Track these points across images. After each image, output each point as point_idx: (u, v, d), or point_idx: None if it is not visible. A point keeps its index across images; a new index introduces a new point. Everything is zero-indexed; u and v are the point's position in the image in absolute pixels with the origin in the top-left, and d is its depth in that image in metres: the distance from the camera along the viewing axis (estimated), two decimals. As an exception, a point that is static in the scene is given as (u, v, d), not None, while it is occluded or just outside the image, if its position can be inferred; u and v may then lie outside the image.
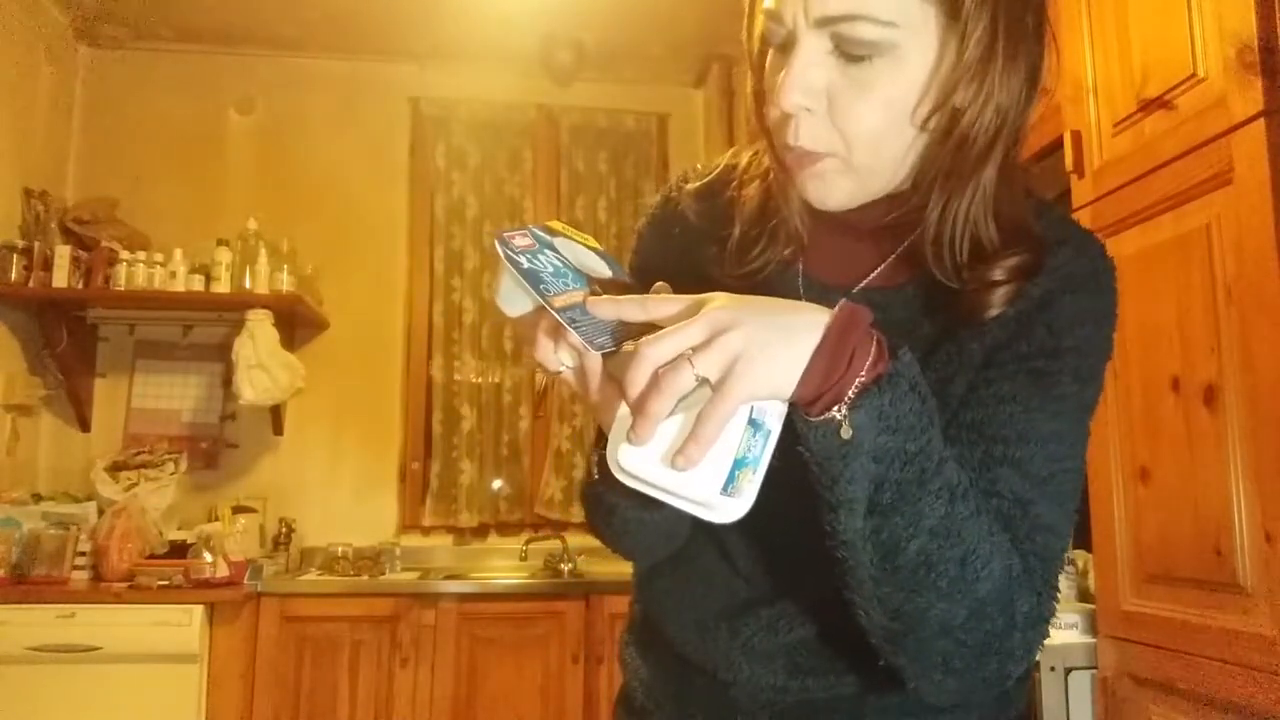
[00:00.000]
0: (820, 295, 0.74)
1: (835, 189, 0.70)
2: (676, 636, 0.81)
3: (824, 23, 0.65)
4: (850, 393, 0.58)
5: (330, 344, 3.61)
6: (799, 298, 0.76)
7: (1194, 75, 1.52)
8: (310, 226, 3.57)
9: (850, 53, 0.65)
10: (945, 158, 0.69)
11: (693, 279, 0.70)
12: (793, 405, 0.60)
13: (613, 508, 0.76)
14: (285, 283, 3.30)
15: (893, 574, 0.62)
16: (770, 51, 0.71)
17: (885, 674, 0.69)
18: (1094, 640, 1.75)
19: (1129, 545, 1.67)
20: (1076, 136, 1.82)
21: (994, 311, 0.70)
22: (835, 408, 0.58)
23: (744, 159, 0.84)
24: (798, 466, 0.62)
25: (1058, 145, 1.88)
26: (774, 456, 0.59)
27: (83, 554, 2.92)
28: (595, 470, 0.77)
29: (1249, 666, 1.38)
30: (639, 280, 0.73)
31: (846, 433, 0.58)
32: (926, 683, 0.67)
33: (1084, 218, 1.79)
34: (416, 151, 3.78)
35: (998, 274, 0.70)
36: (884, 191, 0.72)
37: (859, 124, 0.67)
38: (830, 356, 0.58)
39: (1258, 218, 1.38)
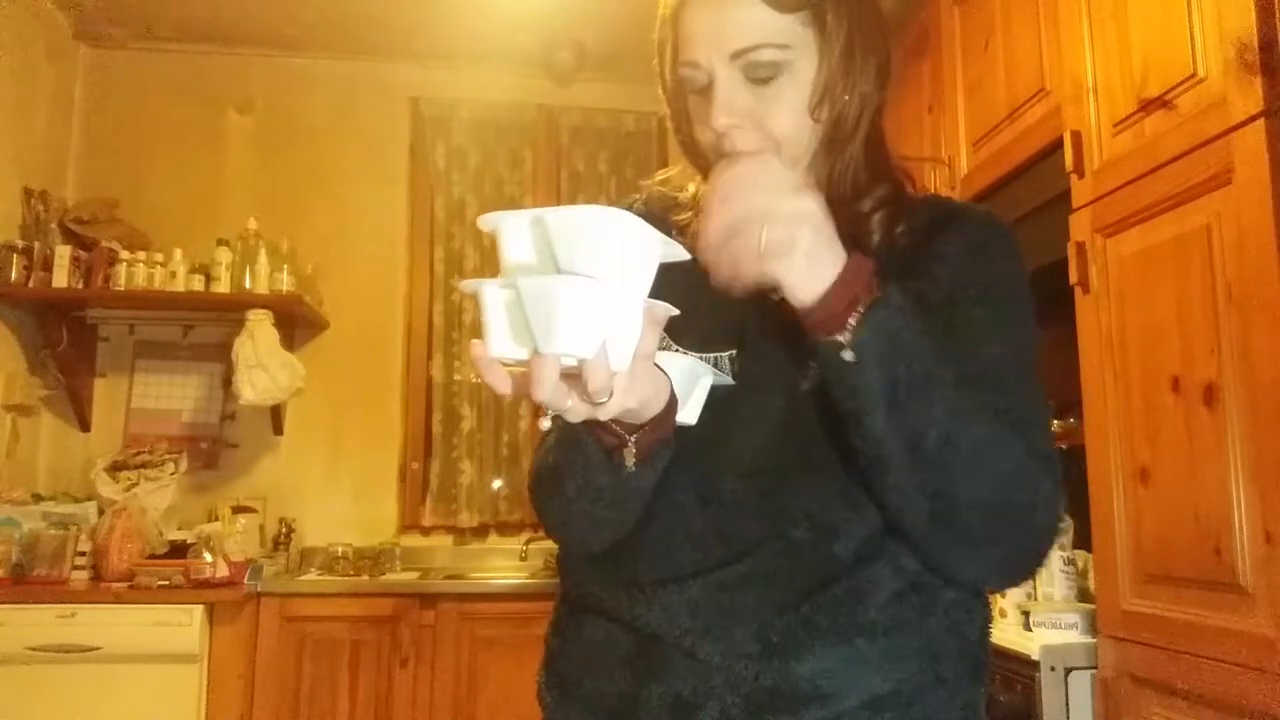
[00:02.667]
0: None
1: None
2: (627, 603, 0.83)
3: (736, 55, 0.82)
4: (852, 319, 0.70)
5: (330, 344, 3.61)
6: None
7: (1194, 75, 1.52)
8: (310, 226, 3.57)
9: (758, 76, 0.82)
10: (829, 135, 0.87)
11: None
12: (808, 328, 0.71)
13: (575, 474, 0.79)
14: (285, 283, 3.30)
15: (922, 457, 0.72)
16: (690, 94, 0.87)
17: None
18: (1094, 640, 1.75)
19: (1129, 545, 1.67)
20: (1076, 136, 1.82)
21: (875, 236, 0.86)
22: (843, 330, 0.70)
23: (692, 188, 0.97)
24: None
25: (1058, 145, 1.88)
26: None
27: (83, 554, 2.92)
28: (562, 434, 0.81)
29: (1249, 666, 1.38)
30: None
31: (850, 354, 0.70)
32: (976, 560, 0.77)
33: (1084, 218, 1.79)
34: (416, 151, 3.78)
35: (867, 204, 0.87)
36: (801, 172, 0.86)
37: (779, 129, 0.84)
38: (842, 288, 0.70)
39: (1258, 218, 1.38)
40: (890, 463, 0.73)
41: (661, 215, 0.94)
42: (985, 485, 0.73)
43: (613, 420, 0.71)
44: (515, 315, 0.64)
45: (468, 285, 0.67)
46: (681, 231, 0.91)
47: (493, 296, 0.65)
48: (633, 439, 0.74)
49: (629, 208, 0.90)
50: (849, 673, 0.76)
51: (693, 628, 0.78)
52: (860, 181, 0.88)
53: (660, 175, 1.03)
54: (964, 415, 0.73)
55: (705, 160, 0.89)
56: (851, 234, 0.78)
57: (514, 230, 0.66)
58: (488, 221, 0.68)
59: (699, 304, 0.79)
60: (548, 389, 0.63)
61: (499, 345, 0.65)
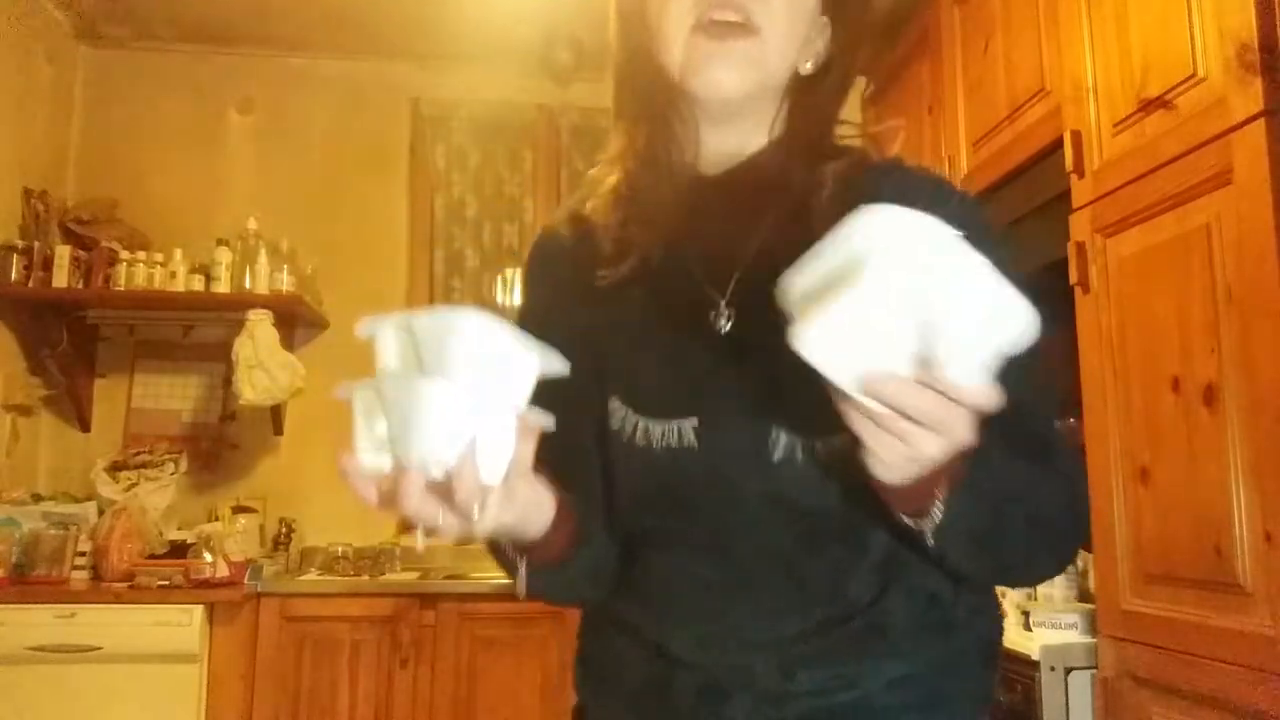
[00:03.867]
0: (714, 277, 0.78)
1: (738, 72, 0.76)
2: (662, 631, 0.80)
3: None
4: (935, 508, 0.64)
5: (330, 344, 3.60)
6: (691, 285, 0.79)
7: (1194, 75, 1.52)
8: (310, 226, 3.57)
9: None
10: (809, 77, 0.79)
11: (582, 299, 0.80)
12: (884, 498, 0.65)
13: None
14: (285, 283, 3.30)
15: (979, 551, 0.70)
16: None
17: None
18: (1094, 640, 1.75)
19: (1129, 545, 1.67)
20: (1076, 136, 1.82)
21: (825, 191, 0.76)
22: (926, 517, 0.65)
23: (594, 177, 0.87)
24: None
25: (1058, 145, 1.88)
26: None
27: (83, 554, 2.92)
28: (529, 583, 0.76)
29: (1249, 666, 1.38)
30: (536, 321, 0.76)
31: (932, 539, 0.66)
32: (1023, 580, 0.81)
33: (1084, 218, 1.79)
34: (416, 152, 3.78)
35: (829, 168, 0.78)
36: (767, 84, 0.79)
37: (775, 27, 0.75)
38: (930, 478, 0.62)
39: (1258, 218, 1.38)
40: (956, 567, 0.73)
41: (580, 241, 0.85)
42: (1042, 543, 0.74)
43: (501, 538, 0.69)
44: (381, 421, 0.62)
45: (342, 390, 0.64)
46: (597, 258, 0.82)
47: (361, 401, 0.63)
48: (522, 563, 0.70)
49: (547, 239, 0.89)
50: (873, 669, 0.75)
51: (710, 657, 0.77)
52: (826, 135, 0.81)
53: (575, 197, 0.91)
54: (1026, 509, 0.70)
55: (659, 64, 0.79)
56: (804, 189, 0.76)
57: (387, 335, 0.65)
58: (364, 327, 0.66)
59: (649, 363, 0.77)
60: (412, 501, 0.59)
61: (364, 453, 0.62)
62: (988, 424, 0.66)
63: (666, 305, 0.79)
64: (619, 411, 0.79)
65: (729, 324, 0.77)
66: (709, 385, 0.76)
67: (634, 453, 0.78)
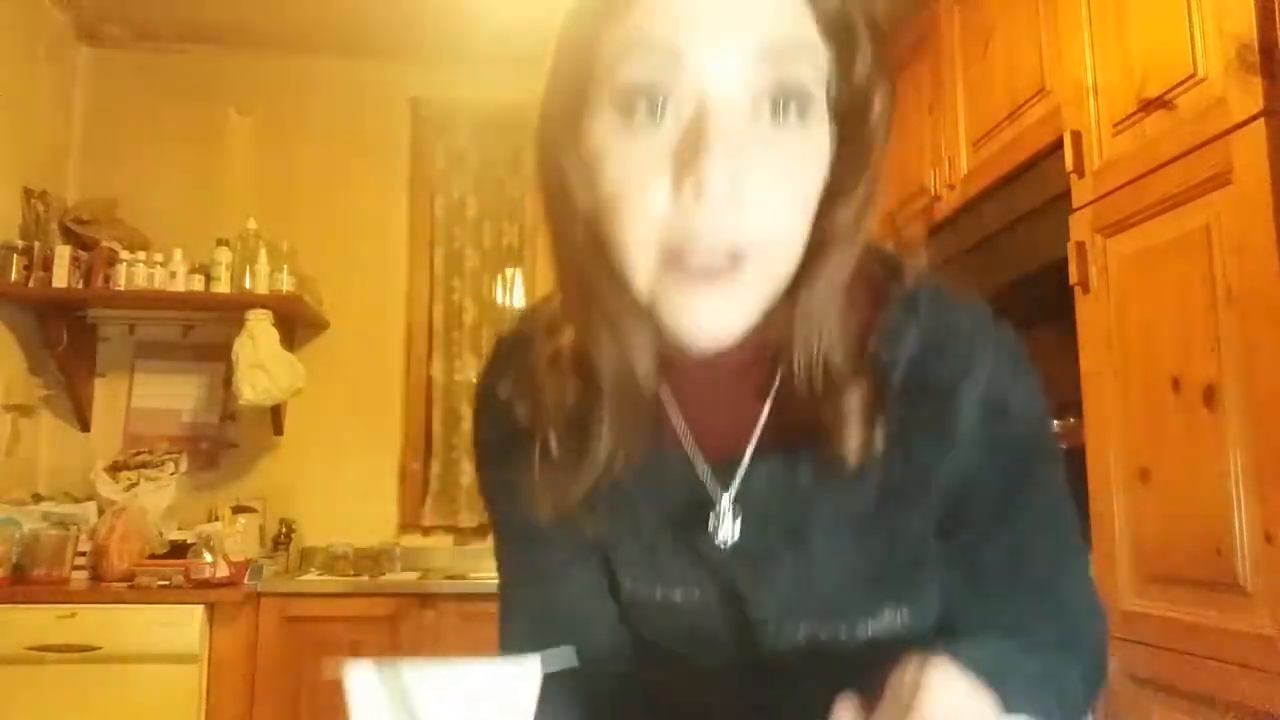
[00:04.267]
0: (722, 472, 0.67)
1: (739, 308, 0.57)
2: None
3: (765, 56, 0.52)
4: None
5: (330, 344, 3.60)
6: (692, 480, 0.67)
7: (1194, 75, 1.52)
8: (310, 226, 3.57)
9: (778, 114, 0.54)
10: (819, 236, 0.58)
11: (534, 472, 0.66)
12: None
13: None
14: (285, 283, 3.30)
15: None
16: (609, 122, 0.55)
17: None
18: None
19: (1129, 545, 1.67)
20: (1076, 136, 1.82)
21: (853, 455, 0.61)
22: None
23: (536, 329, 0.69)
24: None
25: (1058, 145, 1.88)
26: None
27: (83, 554, 2.92)
28: None
29: (1249, 666, 1.38)
30: (503, 481, 0.71)
31: None
32: None
33: (1084, 218, 1.79)
34: (416, 152, 3.78)
35: (852, 400, 0.61)
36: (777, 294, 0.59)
37: (785, 213, 0.55)
38: None
39: (1258, 218, 1.38)
40: None
41: (529, 349, 0.69)
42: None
43: None
44: None
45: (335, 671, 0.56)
46: (555, 364, 0.66)
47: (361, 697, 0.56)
48: None
49: (504, 337, 0.76)
50: None
51: (731, 701, 0.76)
52: (837, 354, 0.62)
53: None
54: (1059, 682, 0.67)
55: (617, 275, 0.57)
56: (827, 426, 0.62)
57: (364, 686, 0.56)
58: (330, 670, 0.57)
59: (650, 560, 0.72)
60: None
61: None
62: (983, 594, 0.68)
63: (660, 504, 0.69)
64: (626, 582, 0.75)
65: (737, 523, 0.66)
66: (726, 579, 0.70)
67: (651, 603, 0.74)
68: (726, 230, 0.53)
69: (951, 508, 0.67)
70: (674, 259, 0.54)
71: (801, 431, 0.64)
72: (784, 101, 0.53)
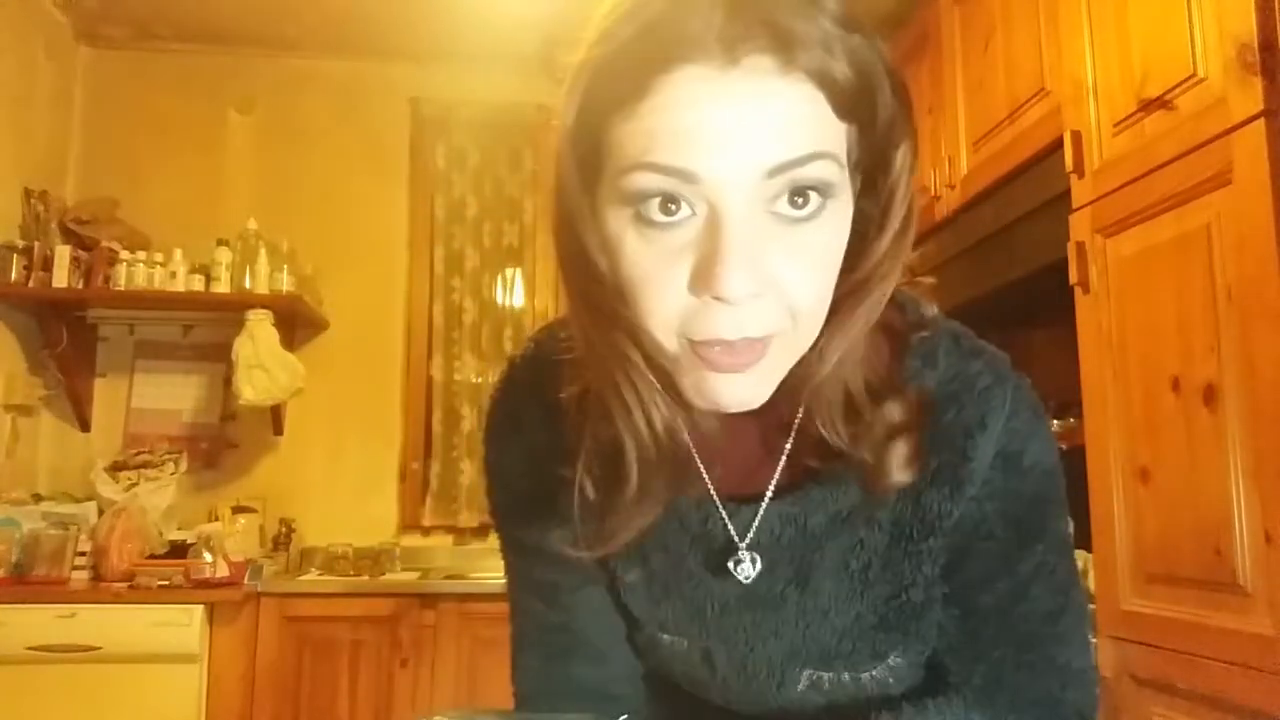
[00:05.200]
0: (739, 513, 0.68)
1: (764, 382, 0.57)
2: None
3: (777, 171, 0.51)
4: None
5: (330, 344, 3.61)
6: (712, 520, 0.69)
7: (1194, 75, 1.52)
8: (310, 226, 3.57)
9: (796, 208, 0.53)
10: (845, 288, 0.58)
11: (567, 467, 0.65)
12: None
13: None
14: (285, 283, 3.30)
15: None
16: (624, 215, 0.54)
17: None
18: (1094, 640, 1.75)
19: (1129, 545, 1.67)
20: (1076, 136, 1.82)
21: (897, 478, 0.62)
22: None
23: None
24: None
25: (1058, 145, 1.88)
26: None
27: (83, 554, 2.92)
28: None
29: (1249, 666, 1.38)
30: (515, 504, 0.75)
31: None
32: None
33: (1084, 218, 1.79)
34: (416, 152, 3.78)
35: (879, 429, 0.62)
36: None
37: (807, 293, 0.54)
38: None
39: (1258, 218, 1.38)
40: None
41: (545, 375, 0.70)
42: None
43: None
44: None
45: None
46: (559, 405, 0.67)
47: None
48: None
49: (520, 359, 0.76)
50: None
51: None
52: (857, 388, 0.63)
53: (556, 324, 0.73)
54: None
55: (646, 335, 0.56)
56: (862, 469, 0.63)
57: None
58: None
59: (662, 611, 0.73)
60: None
61: None
62: (974, 636, 0.68)
63: (676, 549, 0.70)
64: (633, 611, 0.75)
65: (755, 569, 0.67)
66: (732, 626, 0.71)
67: (660, 645, 0.76)
68: (750, 327, 0.53)
69: (957, 552, 0.68)
70: (696, 346, 0.55)
71: (818, 474, 0.66)
72: (804, 194, 0.53)
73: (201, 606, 2.81)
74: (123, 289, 3.21)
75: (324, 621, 2.98)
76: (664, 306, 0.54)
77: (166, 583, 2.83)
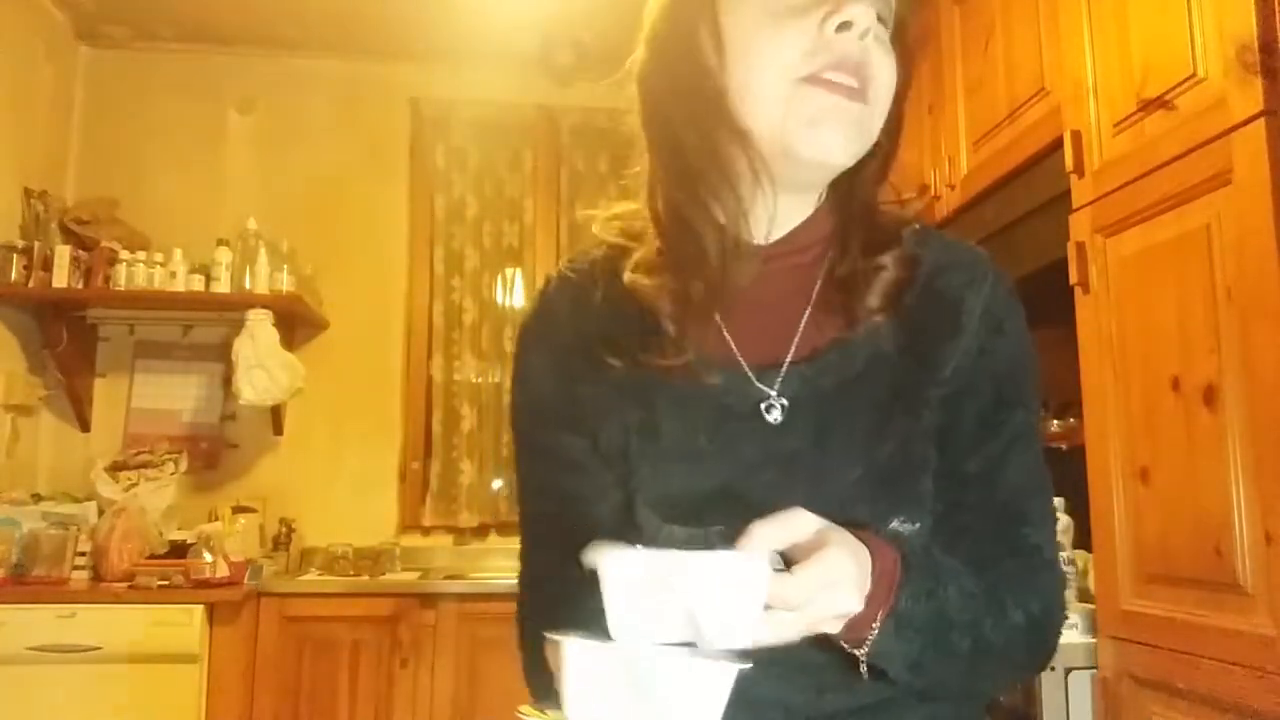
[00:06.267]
0: (761, 373, 0.75)
1: (848, 139, 0.71)
2: None
3: None
4: (869, 637, 0.65)
5: (330, 344, 3.61)
6: (738, 380, 0.75)
7: (1194, 75, 1.52)
8: (310, 226, 3.57)
9: (883, 15, 0.71)
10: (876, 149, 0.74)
11: (593, 373, 0.75)
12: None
13: None
14: (285, 283, 3.30)
15: (916, 677, 0.69)
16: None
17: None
18: (1094, 640, 1.75)
19: (1129, 545, 1.67)
20: (1076, 136, 1.81)
21: (874, 301, 0.74)
22: (860, 645, 0.65)
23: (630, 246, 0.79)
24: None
25: (1058, 145, 1.88)
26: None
27: (83, 554, 2.92)
28: None
29: (1249, 666, 1.38)
30: (538, 405, 0.80)
31: (865, 668, 0.66)
32: (954, 691, 0.75)
33: (1084, 218, 1.79)
34: (416, 152, 3.78)
35: (887, 259, 0.75)
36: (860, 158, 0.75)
37: (885, 84, 0.72)
38: (872, 604, 0.64)
39: (1258, 218, 1.38)
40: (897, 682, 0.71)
41: (577, 279, 0.82)
42: (987, 670, 0.73)
43: None
44: (619, 685, 0.56)
45: (569, 646, 0.58)
46: (590, 302, 0.79)
47: (602, 662, 0.57)
48: None
49: (579, 262, 0.83)
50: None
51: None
52: (874, 216, 0.78)
53: (613, 212, 0.84)
54: (988, 624, 0.70)
55: (739, 125, 0.71)
56: (849, 280, 0.75)
57: (622, 573, 0.58)
58: (592, 559, 0.58)
59: (681, 472, 0.74)
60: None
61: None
62: (958, 504, 0.73)
63: (710, 398, 0.74)
64: (643, 513, 0.75)
65: (782, 417, 0.73)
66: (746, 490, 0.73)
67: (674, 540, 0.75)
68: (865, 58, 0.69)
69: (949, 411, 0.75)
70: (816, 78, 0.69)
71: (830, 343, 0.75)
72: (886, 17, 0.72)
73: (201, 606, 2.81)
74: (123, 289, 3.21)
75: (324, 621, 2.99)
76: (784, 51, 0.69)
77: (166, 583, 2.83)
